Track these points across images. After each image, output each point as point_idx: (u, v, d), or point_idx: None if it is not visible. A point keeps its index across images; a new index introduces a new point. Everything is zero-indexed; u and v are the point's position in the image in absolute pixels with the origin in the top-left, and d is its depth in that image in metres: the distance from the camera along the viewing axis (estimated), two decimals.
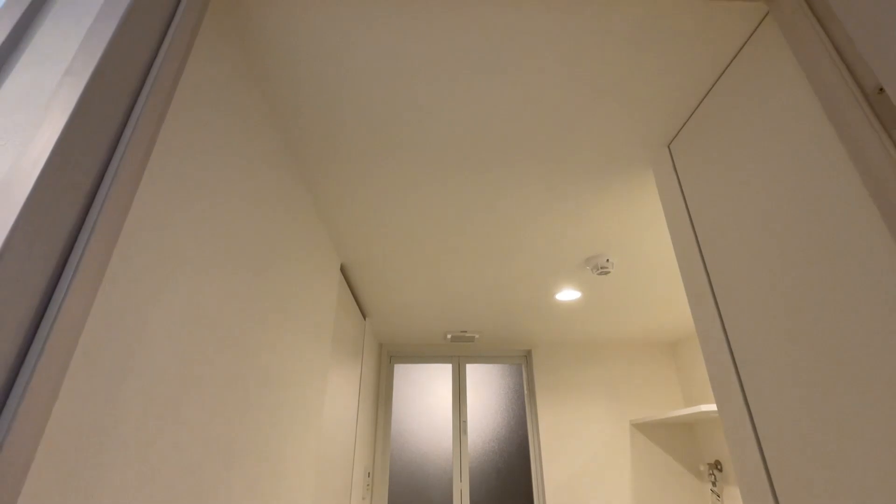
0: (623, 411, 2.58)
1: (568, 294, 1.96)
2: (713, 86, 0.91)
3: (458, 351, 2.84)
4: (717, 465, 2.26)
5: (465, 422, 2.66)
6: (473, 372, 2.84)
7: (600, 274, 1.67)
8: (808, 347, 0.65)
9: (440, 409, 2.73)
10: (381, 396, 2.66)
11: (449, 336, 2.58)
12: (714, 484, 2.24)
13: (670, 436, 2.51)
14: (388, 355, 2.84)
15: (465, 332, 2.53)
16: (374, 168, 1.14)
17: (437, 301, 2.05)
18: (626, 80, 0.90)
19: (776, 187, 0.72)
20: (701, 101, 0.95)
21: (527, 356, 2.83)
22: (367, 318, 2.26)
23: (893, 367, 0.53)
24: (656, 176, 1.13)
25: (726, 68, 0.88)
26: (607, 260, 1.61)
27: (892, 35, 0.49)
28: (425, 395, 2.77)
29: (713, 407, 1.90)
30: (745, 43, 0.82)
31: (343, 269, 1.71)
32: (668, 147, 1.07)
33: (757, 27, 0.79)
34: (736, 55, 0.85)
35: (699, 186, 0.95)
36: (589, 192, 1.25)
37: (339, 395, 1.57)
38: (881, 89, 0.55)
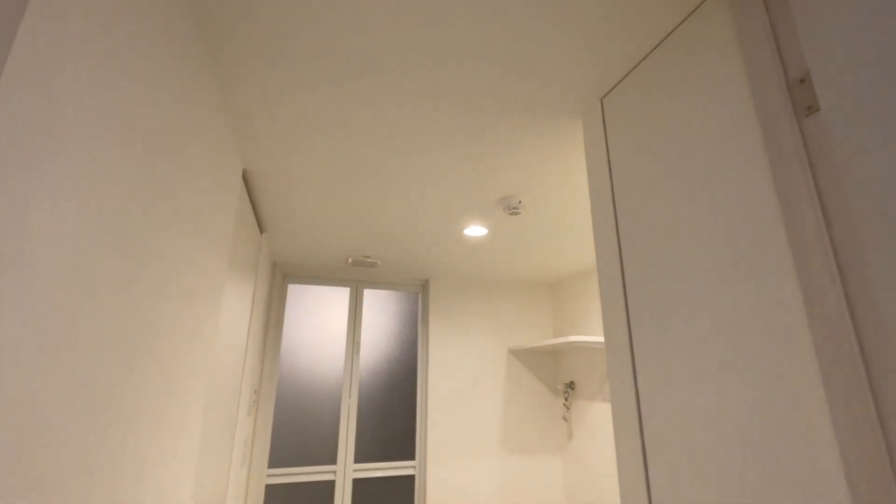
0: (503, 339, 2.88)
1: (476, 230, 2.04)
2: (654, 49, 0.96)
3: (357, 275, 2.82)
4: (570, 385, 2.71)
5: (359, 343, 2.73)
6: (370, 296, 2.87)
7: (511, 214, 1.75)
8: (685, 302, 0.79)
9: (334, 330, 2.74)
10: (273, 315, 2.56)
11: (350, 260, 2.53)
12: (566, 399, 2.69)
13: (538, 361, 2.90)
14: (282, 274, 2.71)
15: (368, 257, 2.51)
16: (293, 75, 1.00)
17: (342, 224, 1.97)
18: (565, 25, 0.90)
19: (692, 158, 0.82)
20: (640, 62, 1.00)
21: (424, 286, 2.94)
22: (263, 233, 2.09)
23: (747, 322, 0.67)
24: (584, 126, 1.18)
25: (670, 34, 0.92)
26: (519, 202, 1.70)
27: (830, 23, 0.55)
28: (319, 316, 2.74)
29: (578, 338, 2.23)
30: (693, 12, 0.87)
31: (244, 177, 1.53)
32: (601, 100, 1.13)
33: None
34: (681, 23, 0.89)
35: (623, 143, 1.02)
36: (514, 133, 1.27)
37: (231, 312, 1.47)
38: (802, 80, 0.64)
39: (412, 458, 2.64)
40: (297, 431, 2.51)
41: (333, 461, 2.50)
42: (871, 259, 0.49)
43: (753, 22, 0.72)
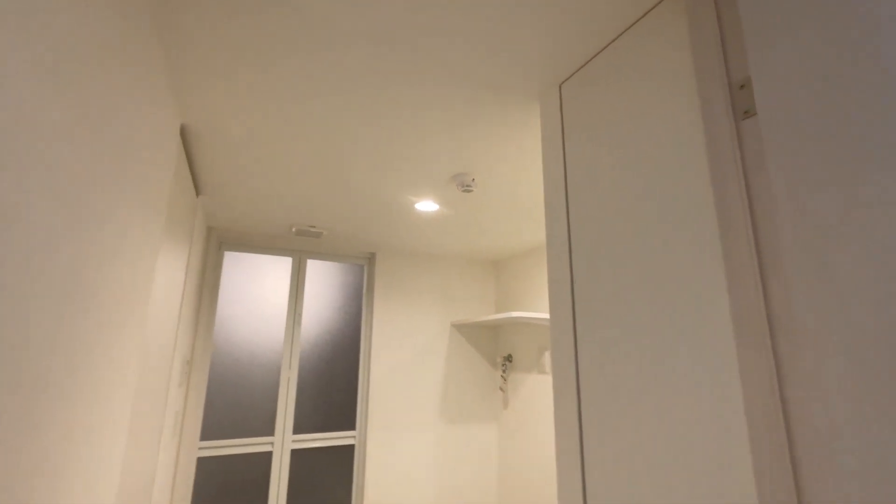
0: (447, 314, 2.95)
1: (427, 205, 2.04)
2: (614, 40, 1.00)
3: (301, 245, 2.73)
4: (508, 358, 2.85)
5: (301, 314, 2.66)
6: (314, 267, 2.80)
7: (464, 191, 1.77)
8: (626, 287, 0.86)
9: (274, 300, 2.64)
10: (207, 283, 2.42)
11: (294, 229, 2.44)
12: (504, 371, 2.83)
13: (480, 335, 3.01)
14: (218, 240, 2.55)
15: (313, 227, 2.43)
16: (240, 28, 0.92)
17: (287, 191, 1.89)
18: (529, 6, 0.91)
19: (641, 151, 0.87)
20: (599, 52, 1.04)
21: (371, 259, 2.91)
22: (200, 196, 1.95)
23: (687, 297, 0.74)
24: (542, 110, 1.21)
25: (629, 27, 0.96)
26: (473, 179, 1.72)
27: (772, 35, 0.61)
28: (259, 286, 2.63)
29: (519, 314, 2.34)
30: (652, 9, 0.91)
31: (182, 132, 1.40)
32: (560, 86, 1.16)
33: None
34: (641, 18, 0.93)
35: (579, 130, 1.07)
36: (471, 111, 1.28)
37: (164, 278, 1.37)
38: (742, 85, 0.70)
39: (353, 428, 2.67)
40: (233, 403, 2.43)
41: (271, 432, 2.46)
42: (788, 262, 0.56)
43: (704, 26, 0.77)
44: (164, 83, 1.08)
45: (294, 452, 2.50)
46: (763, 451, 0.59)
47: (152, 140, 1.02)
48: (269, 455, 2.44)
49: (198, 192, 1.90)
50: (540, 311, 2.57)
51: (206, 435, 2.33)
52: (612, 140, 0.95)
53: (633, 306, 0.84)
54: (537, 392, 2.57)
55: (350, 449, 2.64)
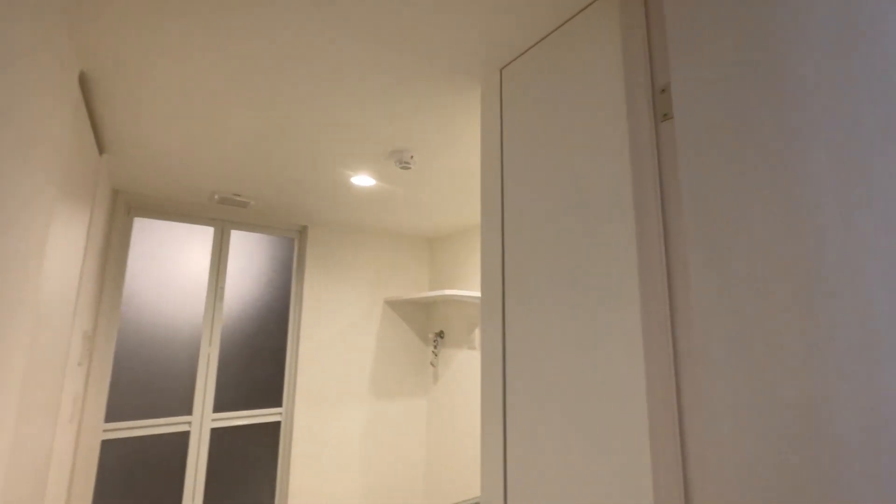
0: (380, 290, 2.94)
1: (364, 180, 1.99)
2: (555, 30, 1.03)
3: (224, 215, 2.55)
4: (440, 334, 2.92)
5: (223, 288, 2.51)
6: (240, 239, 2.64)
7: (402, 168, 1.75)
8: (552, 272, 0.91)
9: (194, 273, 2.46)
10: (113, 252, 2.19)
11: (217, 197, 2.27)
12: (435, 347, 2.91)
13: (412, 311, 3.05)
14: (127, 205, 2.30)
15: (239, 196, 2.28)
16: None
17: (208, 155, 1.75)
18: None
19: (571, 145, 0.92)
20: (541, 40, 1.06)
21: (302, 232, 2.80)
22: (103, 154, 1.74)
23: (605, 270, 0.81)
24: (483, 93, 1.23)
25: (570, 19, 0.99)
26: (411, 157, 1.70)
27: (692, 43, 0.67)
28: (176, 256, 2.43)
29: (452, 292, 2.39)
30: (589, 5, 0.95)
31: (82, 81, 1.23)
32: (501, 70, 1.17)
33: None
34: (581, 11, 0.97)
35: (517, 116, 1.09)
36: (413, 87, 1.26)
37: (60, 246, 1.22)
38: (664, 89, 0.76)
39: (279, 405, 2.60)
40: (146, 382, 2.26)
41: (189, 411, 2.33)
42: (690, 255, 0.63)
43: (634, 30, 0.81)
44: (59, 21, 0.94)
45: (215, 432, 2.39)
46: (658, 426, 0.67)
47: (42, 87, 0.89)
48: (186, 435, 2.31)
49: (101, 149, 1.69)
50: (473, 290, 2.65)
51: (114, 416, 2.15)
52: (546, 130, 0.99)
53: (558, 291, 0.90)
54: (466, 367, 2.68)
55: (276, 426, 2.58)
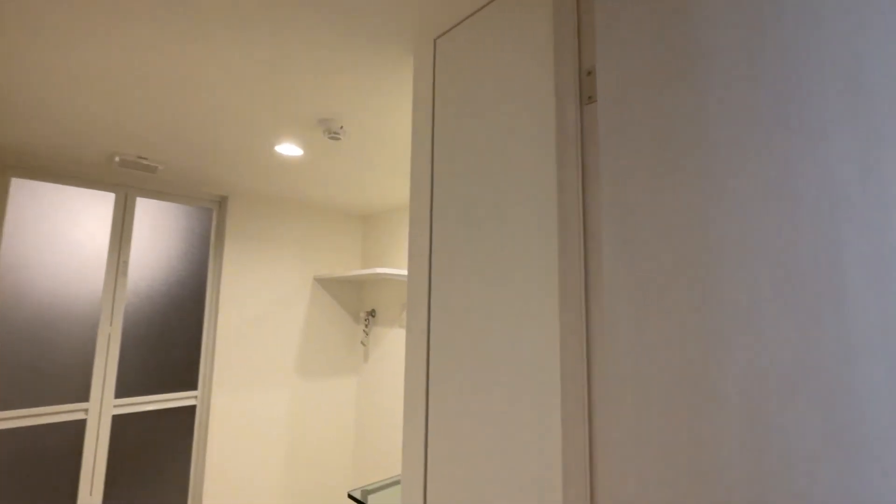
0: (310, 267, 2.81)
1: (290, 149, 1.86)
2: (490, 2, 0.99)
3: (128, 180, 2.27)
4: (372, 313, 2.87)
5: (126, 262, 2.26)
6: (147, 207, 2.38)
7: (331, 138, 1.65)
8: (478, 253, 0.91)
9: (90, 243, 2.19)
10: None
11: (118, 159, 2.01)
12: (366, 325, 2.86)
13: (344, 289, 2.96)
14: (1, 164, 1.97)
15: (144, 159, 2.04)
16: None
17: (105, 111, 1.53)
18: None
19: (502, 122, 0.90)
20: (476, 11, 1.02)
21: (222, 203, 2.58)
22: None
23: (522, 251, 0.81)
24: (415, 63, 1.17)
25: None
26: (341, 127, 1.61)
27: (616, 27, 0.67)
28: (66, 224, 2.14)
29: (384, 270, 2.35)
30: None
31: None
32: (435, 41, 1.12)
33: None
34: None
35: (449, 89, 1.06)
36: (343, 53, 1.18)
37: None
38: (589, 72, 0.76)
39: (194, 388, 2.43)
40: (30, 366, 1.99)
41: (86, 398, 2.10)
42: (603, 237, 0.65)
43: (566, 7, 0.80)
44: None
45: (118, 419, 2.19)
46: (569, 405, 0.70)
47: None
48: (82, 423, 2.09)
49: None
50: (406, 269, 2.63)
51: None
52: (477, 106, 0.96)
53: (483, 271, 0.89)
54: (397, 346, 2.67)
55: (190, 410, 2.42)
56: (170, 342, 2.39)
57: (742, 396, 0.49)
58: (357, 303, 3.01)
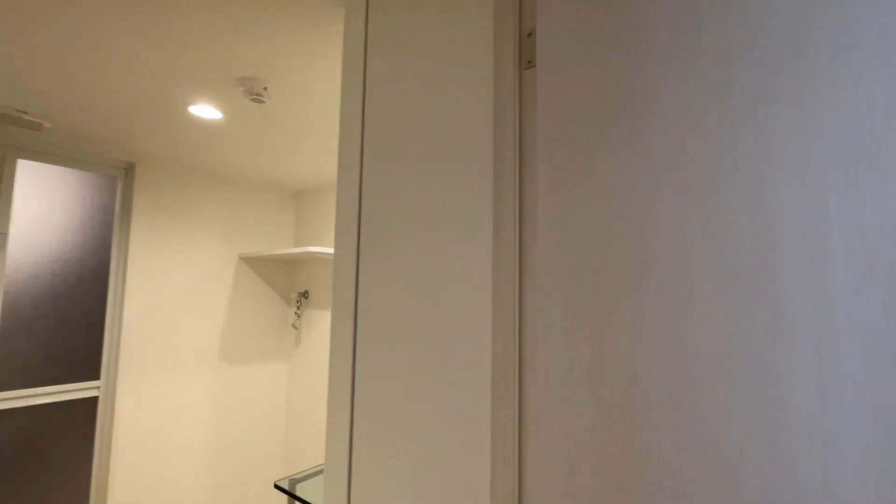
0: (234, 245, 2.60)
1: (206, 111, 1.66)
2: None
3: (4, 137, 1.93)
4: (305, 294, 2.72)
5: (5, 235, 1.94)
6: (33, 172, 2.04)
7: (254, 101, 1.49)
8: (409, 218, 0.84)
9: None
10: None
11: None
12: (299, 307, 2.71)
13: (274, 269, 2.77)
14: None
15: (25, 113, 1.73)
16: None
17: None
18: None
19: (438, 86, 0.83)
20: None
21: (128, 170, 2.29)
22: None
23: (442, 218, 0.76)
24: (346, 19, 1.06)
25: None
26: (265, 88, 1.45)
27: None
28: None
29: (317, 248, 2.21)
30: None
31: None
32: None
33: None
34: None
35: (383, 50, 0.96)
36: (266, 6, 1.04)
37: None
38: (530, 34, 0.71)
39: (96, 377, 2.17)
40: None
41: None
42: (539, 207, 0.60)
43: None
44: None
45: None
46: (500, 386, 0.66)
47: None
48: None
49: None
50: None
51: None
52: (414, 67, 0.88)
53: (415, 248, 0.83)
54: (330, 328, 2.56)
55: (91, 402, 2.16)
56: (65, 327, 2.11)
57: (671, 381, 0.47)
58: (288, 284, 2.84)
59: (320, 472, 1.94)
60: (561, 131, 0.59)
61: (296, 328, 2.74)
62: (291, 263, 2.87)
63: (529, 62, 0.70)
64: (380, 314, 0.87)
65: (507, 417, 0.66)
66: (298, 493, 1.73)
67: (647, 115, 0.52)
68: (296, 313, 2.72)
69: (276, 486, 1.79)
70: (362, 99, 0.99)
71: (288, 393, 2.76)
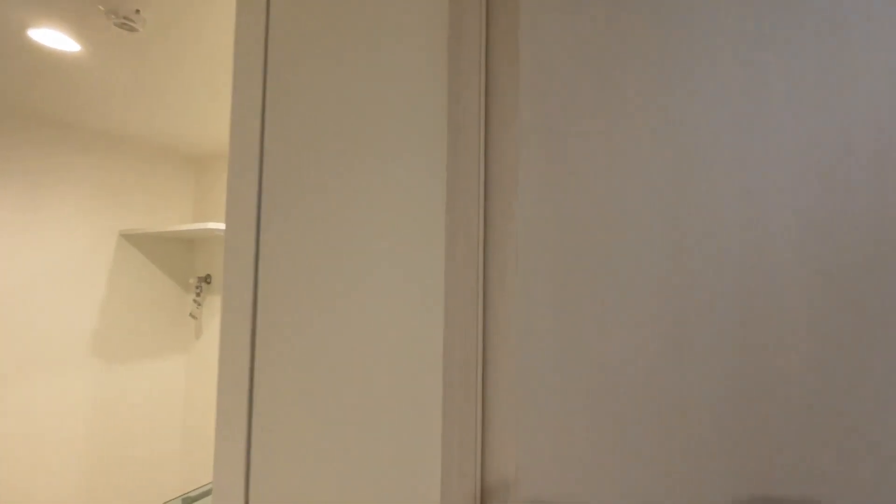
0: (113, 219, 2.13)
1: (56, 38, 1.25)
2: None
3: None
4: (206, 279, 2.35)
5: None
6: None
7: (123, 27, 1.14)
8: (338, 196, 0.63)
9: None
10: None
11: None
12: (199, 294, 2.33)
13: (166, 250, 2.35)
14: None
15: None
16: None
17: None
18: None
19: (372, 20, 0.62)
20: None
21: None
22: None
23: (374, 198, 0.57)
24: None
25: None
26: (137, 11, 1.11)
27: None
28: None
29: (220, 225, 1.88)
30: None
31: None
32: None
33: None
34: None
35: None
36: None
37: None
38: None
39: None
40: None
41: None
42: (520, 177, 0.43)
43: None
44: None
45: None
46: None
47: None
48: None
49: None
50: None
51: None
52: (338, 25, 0.66)
53: (338, 206, 0.62)
54: None
55: None
56: None
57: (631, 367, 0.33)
58: (186, 266, 2.42)
59: None
60: (555, 68, 0.42)
61: (195, 318, 2.35)
62: (189, 243, 2.45)
63: None
64: (289, 293, 0.66)
65: (466, 423, 0.49)
66: None
67: (703, 42, 0.37)
68: (195, 301, 2.34)
69: None
70: (265, 31, 0.74)
71: (187, 393, 2.38)
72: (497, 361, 0.50)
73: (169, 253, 2.35)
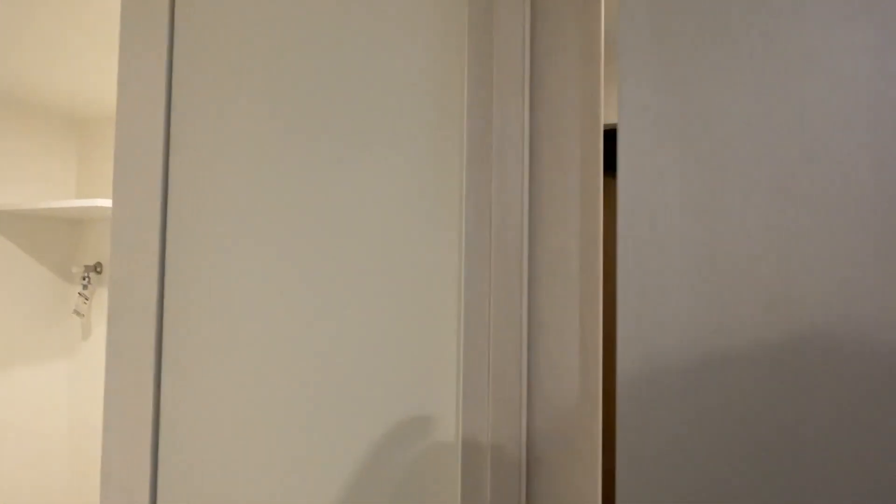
0: None
1: None
2: None
3: None
4: (96, 267, 2.02)
5: None
6: None
7: None
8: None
9: None
10: None
11: None
12: (86, 286, 1.99)
13: (42, 232, 2.00)
14: None
15: None
16: None
17: None
18: None
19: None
20: None
21: None
22: None
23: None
24: None
25: None
26: None
27: None
28: None
29: (111, 202, 1.58)
30: None
31: None
32: None
33: None
34: None
35: None
36: None
37: None
38: None
39: None
40: None
41: None
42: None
43: None
44: None
45: None
46: None
47: None
48: None
49: None
50: None
51: None
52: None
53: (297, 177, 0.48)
54: None
55: None
56: None
57: None
58: (68, 252, 2.08)
59: None
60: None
61: (81, 315, 2.01)
62: (73, 224, 2.10)
63: None
64: (212, 287, 0.51)
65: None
66: None
67: None
68: (81, 294, 2.00)
69: None
70: None
71: (72, 405, 2.04)
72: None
73: (45, 236, 2.00)
